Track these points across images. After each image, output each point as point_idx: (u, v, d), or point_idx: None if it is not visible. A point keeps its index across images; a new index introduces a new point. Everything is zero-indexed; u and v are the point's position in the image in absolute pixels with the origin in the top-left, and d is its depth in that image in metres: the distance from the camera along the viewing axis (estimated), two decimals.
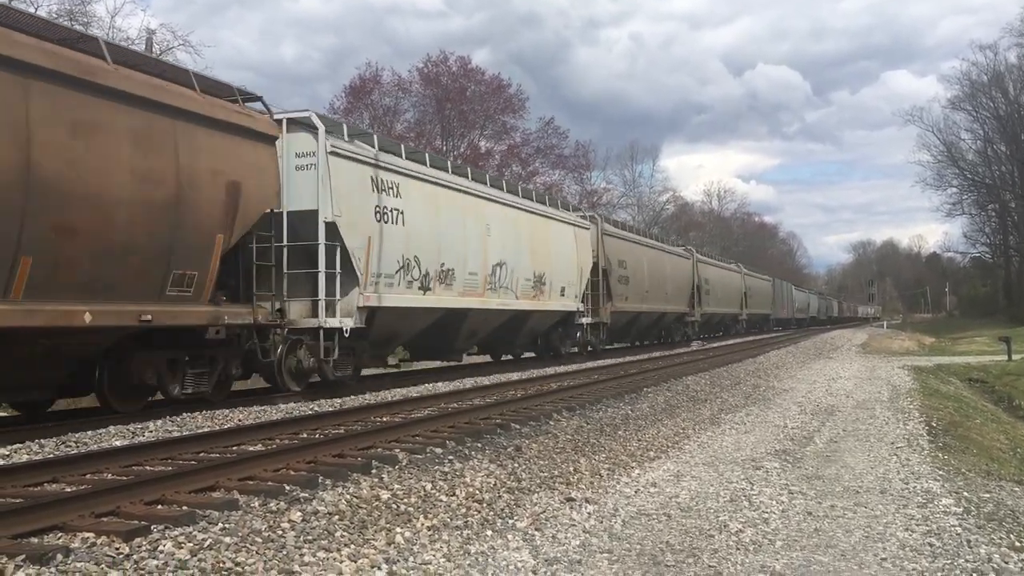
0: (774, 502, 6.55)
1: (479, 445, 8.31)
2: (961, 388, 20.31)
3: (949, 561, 5.01)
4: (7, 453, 7.47)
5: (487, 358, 22.39)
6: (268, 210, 11.65)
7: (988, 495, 7.02)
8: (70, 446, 7.98)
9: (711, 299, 38.86)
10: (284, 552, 4.67)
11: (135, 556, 4.45)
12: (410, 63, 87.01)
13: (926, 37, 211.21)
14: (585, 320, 23.23)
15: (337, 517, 5.42)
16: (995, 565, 4.93)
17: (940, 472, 7.91)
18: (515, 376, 16.68)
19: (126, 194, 9.17)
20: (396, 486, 6.32)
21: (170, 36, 31.10)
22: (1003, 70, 63.78)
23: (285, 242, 12.44)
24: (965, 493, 6.97)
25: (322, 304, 12.70)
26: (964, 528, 5.78)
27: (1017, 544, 5.47)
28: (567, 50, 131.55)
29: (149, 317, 9.55)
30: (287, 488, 6.10)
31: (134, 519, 5.14)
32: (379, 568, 4.53)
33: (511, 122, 48.40)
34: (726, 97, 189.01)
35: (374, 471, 6.86)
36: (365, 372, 16.69)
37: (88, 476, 6.51)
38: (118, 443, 8.09)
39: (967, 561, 5.01)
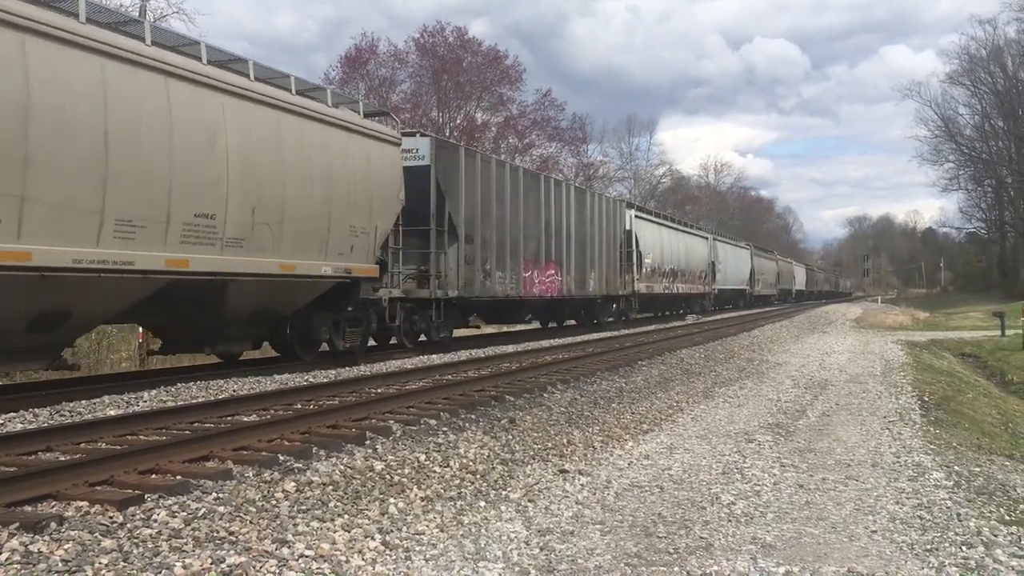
0: (766, 475, 6.59)
1: (473, 417, 8.33)
2: (954, 363, 20.40)
3: (939, 534, 5.05)
4: (1, 422, 7.47)
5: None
6: None
7: (979, 469, 7.07)
8: (64, 415, 7.99)
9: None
10: (278, 522, 4.69)
11: (129, 525, 4.46)
12: (407, 33, 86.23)
13: (925, 11, 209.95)
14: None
15: (331, 488, 5.44)
16: (984, 538, 4.97)
17: (931, 446, 7.96)
18: (510, 349, 16.71)
19: None
20: (390, 457, 6.34)
21: (164, 3, 30.78)
22: (1002, 45, 63.55)
23: None
24: (956, 467, 7.01)
25: None
26: (954, 501, 5.82)
27: (1007, 517, 5.51)
28: (565, 22, 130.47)
29: None
30: (281, 458, 6.11)
31: (128, 488, 5.16)
32: (372, 538, 4.55)
33: (508, 94, 48.16)
34: (724, 71, 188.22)
35: (368, 442, 6.88)
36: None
37: (82, 445, 6.52)
38: (112, 412, 8.11)
39: (956, 534, 5.04)
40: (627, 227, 28.46)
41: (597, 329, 24.53)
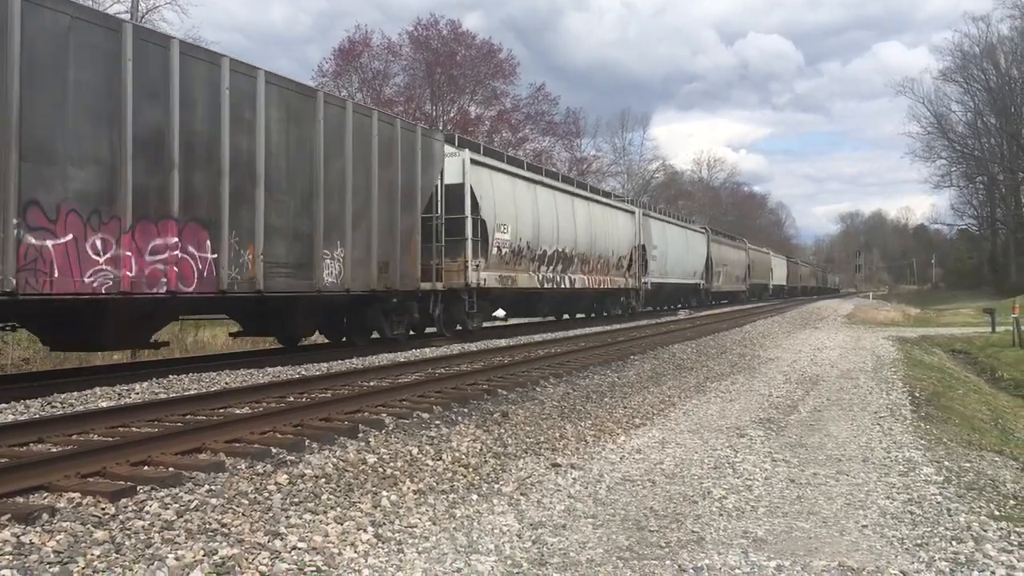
0: (757, 469, 6.61)
1: (466, 410, 8.33)
2: (945, 359, 20.47)
3: (929, 529, 5.07)
4: None
5: None
6: None
7: (969, 464, 7.10)
8: (56, 407, 7.96)
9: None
10: (270, 514, 4.69)
11: (121, 516, 4.46)
12: (400, 26, 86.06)
13: (919, 8, 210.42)
14: None
15: (323, 480, 5.44)
16: (974, 533, 4.99)
17: (922, 441, 7.99)
18: (502, 343, 16.71)
19: None
20: (383, 450, 6.34)
21: None
22: (995, 42, 63.79)
23: None
24: (946, 462, 7.04)
25: None
26: (944, 497, 5.84)
27: (996, 513, 5.54)
28: (559, 16, 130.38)
29: None
30: (274, 451, 6.11)
31: (120, 480, 5.15)
32: (365, 531, 4.55)
33: (501, 88, 48.19)
34: (718, 66, 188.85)
35: (361, 435, 6.88)
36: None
37: (74, 437, 6.50)
38: (104, 404, 8.09)
39: (947, 529, 5.07)
40: (456, 179, 17.72)
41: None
